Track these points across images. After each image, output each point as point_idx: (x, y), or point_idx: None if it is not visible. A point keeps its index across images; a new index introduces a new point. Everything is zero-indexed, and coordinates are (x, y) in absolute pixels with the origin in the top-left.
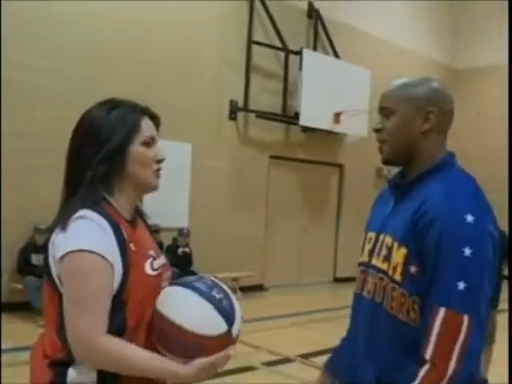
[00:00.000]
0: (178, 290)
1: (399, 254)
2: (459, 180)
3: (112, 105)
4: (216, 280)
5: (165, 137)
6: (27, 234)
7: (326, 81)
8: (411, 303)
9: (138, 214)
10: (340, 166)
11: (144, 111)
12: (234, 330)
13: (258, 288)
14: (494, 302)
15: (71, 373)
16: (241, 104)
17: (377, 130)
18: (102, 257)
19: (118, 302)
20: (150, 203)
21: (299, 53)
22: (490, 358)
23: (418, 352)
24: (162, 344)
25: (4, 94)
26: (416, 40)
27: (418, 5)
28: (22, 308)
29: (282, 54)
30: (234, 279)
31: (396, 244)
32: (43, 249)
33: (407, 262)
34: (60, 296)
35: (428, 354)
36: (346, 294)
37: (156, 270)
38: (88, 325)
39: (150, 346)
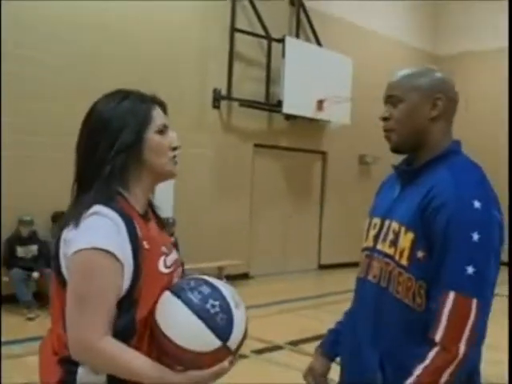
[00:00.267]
0: (171, 302)
1: (406, 239)
2: (466, 167)
3: (121, 96)
4: (217, 284)
5: None
6: (13, 226)
7: (308, 68)
8: (417, 288)
9: (150, 208)
10: (323, 153)
11: (153, 100)
12: (232, 344)
13: (244, 276)
14: None
15: (81, 371)
16: (224, 92)
17: (384, 119)
18: (114, 256)
19: (128, 301)
20: None
21: (282, 41)
22: None
23: (423, 335)
24: (160, 352)
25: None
26: (397, 28)
27: None
28: (9, 301)
29: (264, 42)
30: (220, 268)
31: (403, 229)
32: (29, 241)
33: (414, 246)
34: None
35: (438, 337)
36: (332, 281)
37: (169, 267)
38: (89, 324)
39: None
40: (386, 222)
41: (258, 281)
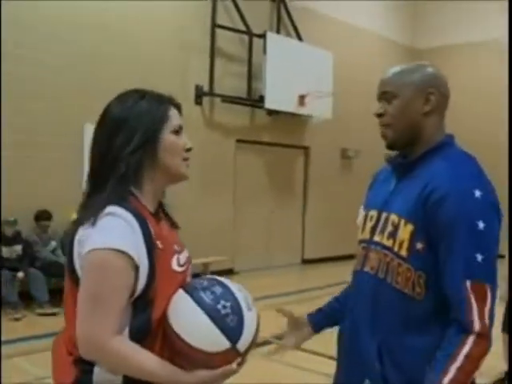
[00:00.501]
0: (183, 300)
1: (406, 231)
2: (461, 158)
3: (137, 96)
4: (230, 285)
5: None
6: None
7: (290, 64)
8: (417, 278)
9: (161, 207)
10: (305, 148)
11: (169, 101)
12: (241, 346)
13: (229, 272)
14: None
15: (97, 371)
16: (206, 88)
17: (379, 115)
18: (128, 256)
19: (144, 301)
20: None
21: (263, 36)
22: None
23: (422, 324)
24: (172, 352)
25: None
26: (376, 22)
27: None
28: None
29: (246, 38)
30: (205, 265)
31: (403, 221)
32: (13, 241)
33: (413, 238)
34: None
35: (477, 326)
36: (315, 275)
37: (182, 265)
38: (100, 323)
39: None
40: (384, 215)
41: (243, 276)
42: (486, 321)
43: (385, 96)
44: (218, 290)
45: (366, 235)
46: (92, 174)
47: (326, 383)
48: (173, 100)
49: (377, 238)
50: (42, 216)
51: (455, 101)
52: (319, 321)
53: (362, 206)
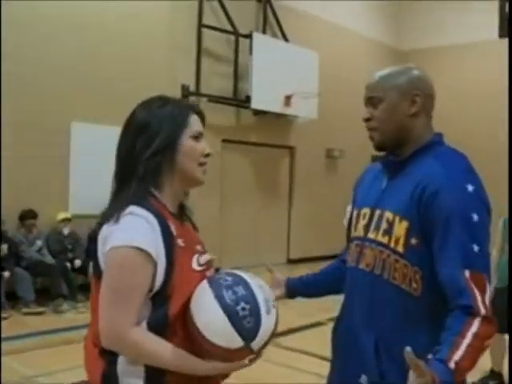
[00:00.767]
0: (206, 294)
1: (401, 227)
2: (451, 156)
3: (160, 102)
4: (254, 286)
5: (117, 123)
6: None
7: (276, 64)
8: (413, 273)
9: (183, 210)
10: (291, 148)
11: (191, 107)
12: (255, 345)
13: (216, 271)
14: None
15: (121, 362)
16: (192, 88)
17: (367, 120)
18: (147, 254)
19: (162, 297)
20: (107, 191)
21: (249, 36)
22: None
23: (419, 319)
24: (194, 347)
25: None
26: (362, 22)
27: None
28: None
29: (232, 38)
30: None
31: (398, 218)
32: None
33: (408, 234)
34: None
35: (482, 310)
36: (300, 274)
37: (202, 265)
38: (120, 314)
39: (190, 338)
40: (377, 212)
41: None
42: (489, 307)
43: (371, 101)
44: (241, 290)
45: (360, 233)
46: (116, 175)
47: (318, 383)
48: (195, 107)
49: (371, 235)
50: (28, 215)
51: (441, 103)
52: (294, 288)
53: (351, 205)
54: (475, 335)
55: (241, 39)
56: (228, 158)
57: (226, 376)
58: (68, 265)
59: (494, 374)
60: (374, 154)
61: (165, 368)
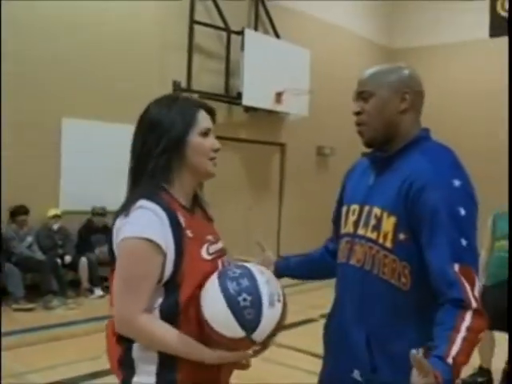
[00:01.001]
0: (214, 284)
1: (389, 223)
2: (438, 151)
3: (170, 100)
4: (259, 279)
5: (109, 120)
6: None
7: (267, 61)
8: (402, 268)
9: (197, 203)
10: (282, 145)
11: (200, 105)
12: (256, 336)
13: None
14: None
15: (135, 348)
16: (184, 85)
17: (357, 113)
18: (156, 244)
19: (172, 285)
20: (97, 187)
21: (241, 33)
22: None
23: (408, 313)
24: (205, 336)
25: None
26: (353, 20)
27: None
28: None
29: (223, 35)
30: None
31: (385, 214)
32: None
33: (396, 229)
34: None
35: (474, 304)
36: None
37: (212, 254)
38: (131, 301)
39: (202, 325)
40: (366, 208)
41: None
42: (479, 300)
43: (362, 95)
44: (245, 282)
45: (350, 229)
46: (131, 170)
47: (309, 381)
48: (204, 104)
49: (361, 232)
50: (20, 211)
51: (431, 101)
52: (282, 269)
53: (338, 195)
54: (469, 329)
55: (232, 36)
56: (219, 154)
57: (235, 365)
58: (58, 261)
59: (483, 371)
60: (364, 151)
61: (175, 354)
